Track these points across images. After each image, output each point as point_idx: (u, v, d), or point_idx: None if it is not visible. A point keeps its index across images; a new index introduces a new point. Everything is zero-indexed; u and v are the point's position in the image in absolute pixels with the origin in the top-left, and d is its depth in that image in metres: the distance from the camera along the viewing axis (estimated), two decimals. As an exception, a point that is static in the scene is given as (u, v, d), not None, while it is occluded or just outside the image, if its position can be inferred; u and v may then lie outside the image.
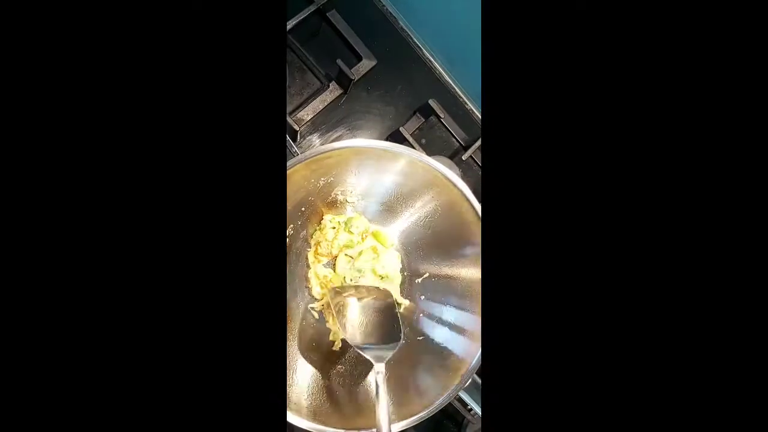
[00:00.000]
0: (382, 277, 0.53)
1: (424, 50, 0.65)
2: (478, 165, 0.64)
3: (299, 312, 0.53)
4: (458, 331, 0.50)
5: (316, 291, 0.53)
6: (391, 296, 0.51)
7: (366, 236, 0.54)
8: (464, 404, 0.59)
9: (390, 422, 0.41)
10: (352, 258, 0.53)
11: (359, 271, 0.53)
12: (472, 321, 0.49)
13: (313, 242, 0.54)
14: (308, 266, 0.54)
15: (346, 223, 0.53)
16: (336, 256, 0.53)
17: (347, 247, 0.53)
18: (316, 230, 0.54)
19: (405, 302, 0.53)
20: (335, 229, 0.53)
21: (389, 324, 0.48)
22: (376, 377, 0.42)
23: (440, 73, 0.65)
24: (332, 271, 0.53)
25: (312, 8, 0.57)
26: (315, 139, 0.60)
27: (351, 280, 0.52)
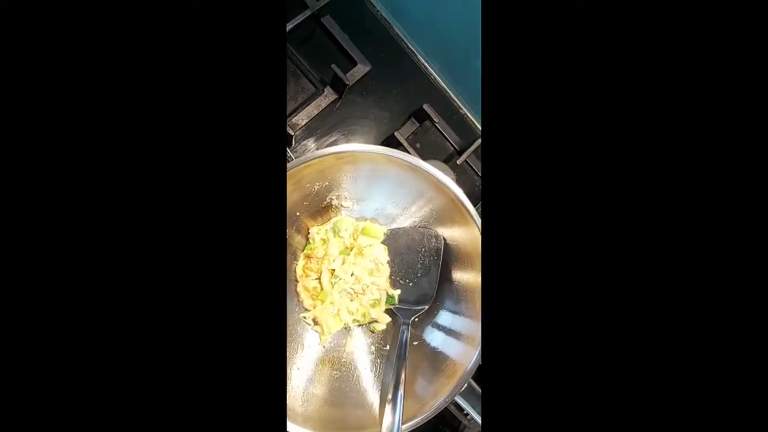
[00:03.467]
0: (372, 272, 0.52)
1: (418, 56, 0.65)
2: (473, 169, 0.65)
3: (293, 319, 0.52)
4: (454, 336, 0.50)
5: (308, 303, 0.53)
6: (441, 243, 0.52)
7: (357, 235, 0.53)
8: (460, 409, 0.59)
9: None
10: (333, 271, 0.52)
11: (351, 274, 0.52)
12: (468, 325, 0.49)
13: (303, 255, 0.53)
14: (296, 280, 0.53)
15: (333, 230, 0.53)
16: (321, 272, 0.52)
17: (342, 254, 0.52)
18: (307, 244, 0.53)
19: (396, 293, 0.53)
20: (325, 242, 0.52)
21: (427, 287, 0.52)
22: (403, 335, 0.50)
23: (434, 78, 0.66)
24: (319, 284, 0.52)
25: (307, 13, 0.57)
26: (310, 144, 0.60)
27: (347, 286, 0.52)
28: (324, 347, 0.52)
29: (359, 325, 0.54)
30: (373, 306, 0.52)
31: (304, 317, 0.52)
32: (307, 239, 0.53)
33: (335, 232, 0.52)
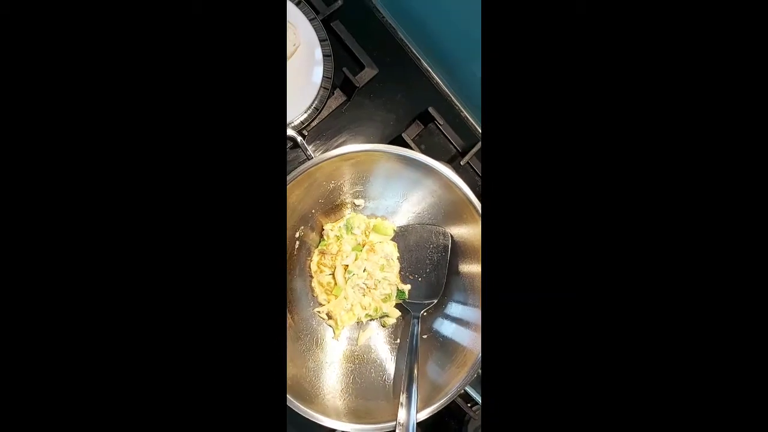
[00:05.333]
0: (383, 267, 0.54)
1: (422, 61, 0.68)
2: (474, 170, 0.67)
3: (308, 314, 0.54)
4: (464, 326, 0.52)
5: (322, 298, 0.54)
6: (449, 240, 0.54)
7: (369, 232, 0.55)
8: (466, 400, 0.60)
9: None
10: (347, 267, 0.54)
11: (364, 270, 0.54)
12: (477, 315, 0.51)
13: (317, 252, 0.55)
14: (311, 276, 0.55)
15: (346, 227, 0.55)
16: (335, 268, 0.54)
17: (355, 250, 0.54)
18: (321, 240, 0.55)
19: (406, 287, 0.55)
20: (338, 238, 0.54)
21: (436, 281, 0.54)
22: (413, 328, 0.51)
23: (437, 82, 0.68)
24: (333, 279, 0.54)
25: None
26: (320, 144, 0.61)
27: (360, 282, 0.54)
28: (338, 341, 0.54)
29: (371, 320, 0.55)
30: (384, 301, 0.54)
31: (318, 312, 0.54)
32: (321, 236, 0.55)
33: (348, 229, 0.54)
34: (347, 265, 0.53)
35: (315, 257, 0.54)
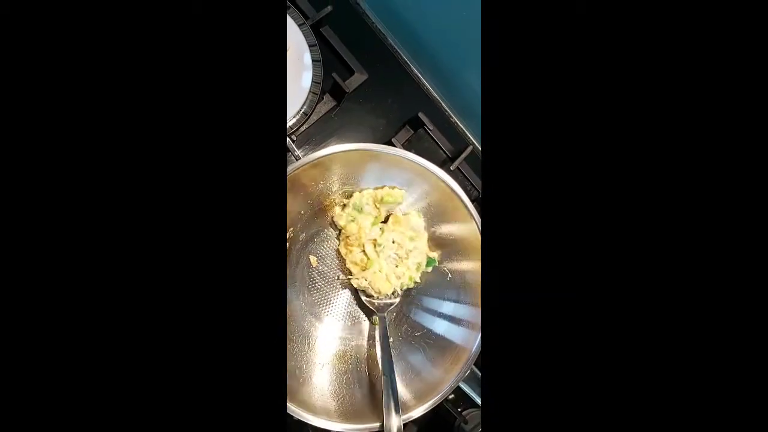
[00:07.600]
0: (412, 238, 0.55)
1: (412, 66, 0.68)
2: (464, 175, 0.68)
3: (301, 313, 0.54)
4: (457, 323, 0.53)
5: (360, 275, 0.55)
6: None
7: (379, 205, 0.55)
8: (455, 404, 0.61)
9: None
10: (375, 241, 0.54)
11: (393, 242, 0.55)
12: (469, 312, 0.52)
13: (342, 238, 0.56)
14: (343, 257, 0.55)
15: (355, 207, 0.54)
16: (364, 245, 0.55)
17: (375, 224, 0.55)
18: (342, 227, 0.55)
19: (435, 255, 0.56)
20: (354, 220, 0.54)
21: None
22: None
23: (427, 87, 0.69)
24: (365, 256, 0.54)
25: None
26: (309, 149, 0.61)
27: (392, 252, 0.54)
28: (328, 342, 0.54)
29: (407, 288, 0.56)
30: (417, 269, 0.55)
31: (356, 281, 0.54)
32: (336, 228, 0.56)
33: (358, 209, 0.54)
34: (375, 240, 0.54)
35: (341, 244, 0.55)
